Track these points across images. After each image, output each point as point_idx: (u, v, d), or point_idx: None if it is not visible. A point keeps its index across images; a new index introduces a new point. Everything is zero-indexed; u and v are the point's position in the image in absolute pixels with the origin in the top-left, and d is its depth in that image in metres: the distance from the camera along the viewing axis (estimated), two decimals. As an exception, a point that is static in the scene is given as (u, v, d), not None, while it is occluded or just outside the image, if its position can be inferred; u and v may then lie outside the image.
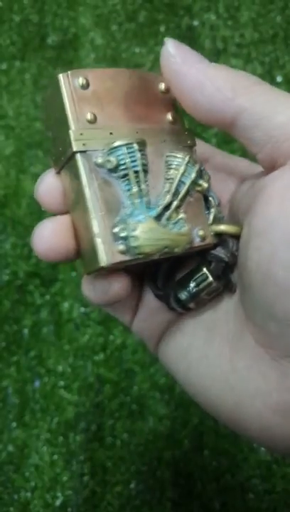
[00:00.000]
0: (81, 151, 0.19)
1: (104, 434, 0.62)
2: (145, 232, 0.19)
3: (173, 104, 0.22)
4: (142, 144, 0.20)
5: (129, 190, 0.20)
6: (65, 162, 0.20)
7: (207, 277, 0.22)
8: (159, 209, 0.20)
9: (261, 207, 0.19)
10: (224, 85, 0.19)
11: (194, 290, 0.22)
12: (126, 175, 0.20)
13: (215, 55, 0.79)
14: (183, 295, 0.22)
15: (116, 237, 0.19)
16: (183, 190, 0.21)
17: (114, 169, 0.20)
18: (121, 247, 0.19)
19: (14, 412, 0.63)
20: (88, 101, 0.20)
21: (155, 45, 0.81)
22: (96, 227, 0.19)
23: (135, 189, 0.20)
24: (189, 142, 0.22)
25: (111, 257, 0.19)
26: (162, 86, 0.22)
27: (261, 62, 0.79)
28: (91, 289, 0.21)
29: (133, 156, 0.20)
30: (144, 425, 0.62)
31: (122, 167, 0.20)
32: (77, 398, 0.64)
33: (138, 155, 0.20)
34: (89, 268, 0.20)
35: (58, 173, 0.21)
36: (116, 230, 0.19)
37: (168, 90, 0.22)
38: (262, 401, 0.19)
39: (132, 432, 0.62)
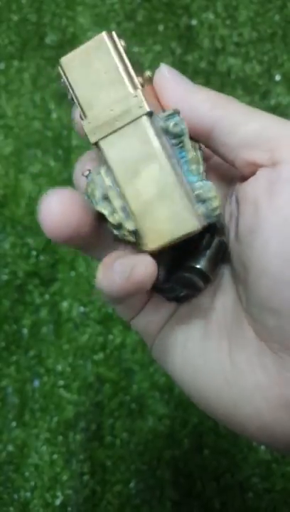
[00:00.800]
0: (148, 113, 0.19)
1: (103, 433, 0.62)
2: (216, 195, 0.19)
3: None
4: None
5: (184, 156, 0.19)
6: (121, 127, 0.19)
7: (214, 239, 0.21)
8: (203, 174, 0.20)
9: (249, 206, 0.19)
10: (204, 100, 0.21)
11: (210, 254, 0.21)
12: (182, 141, 0.19)
13: (214, 54, 0.80)
14: (202, 265, 0.21)
15: (197, 200, 0.19)
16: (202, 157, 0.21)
17: (174, 135, 0.19)
18: (202, 209, 0.19)
19: (14, 411, 0.63)
20: (133, 65, 0.20)
21: (153, 44, 0.81)
22: (180, 190, 0.18)
23: (191, 155, 0.19)
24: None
25: (199, 220, 0.19)
26: None
27: (260, 61, 0.79)
28: (110, 276, 0.19)
29: (183, 123, 0.19)
30: (144, 425, 0.62)
31: (180, 133, 0.19)
32: (76, 398, 0.64)
33: (185, 122, 0.19)
34: (167, 238, 0.19)
35: (96, 144, 0.20)
36: (197, 192, 0.19)
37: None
38: (263, 396, 0.19)
39: (132, 431, 0.62)
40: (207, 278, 0.21)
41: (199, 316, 0.23)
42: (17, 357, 0.65)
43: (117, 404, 0.63)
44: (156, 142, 0.19)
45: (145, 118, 0.19)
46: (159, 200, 0.19)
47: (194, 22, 0.82)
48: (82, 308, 0.67)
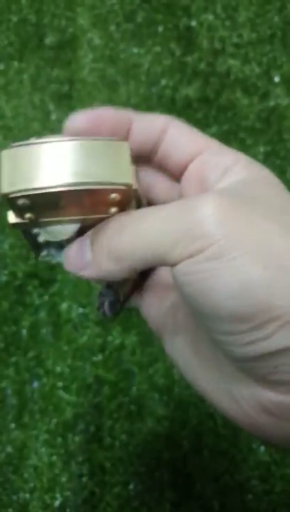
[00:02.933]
0: None
1: (102, 434, 0.62)
2: None
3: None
4: None
5: None
6: None
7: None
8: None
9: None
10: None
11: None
12: None
13: (213, 56, 0.80)
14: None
15: None
16: None
17: None
18: None
19: (13, 413, 0.63)
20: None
21: (153, 46, 0.81)
22: None
23: None
24: None
25: None
26: (113, 196, 0.20)
27: (259, 63, 0.80)
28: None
29: None
30: (143, 426, 0.62)
31: None
32: (75, 399, 0.64)
33: None
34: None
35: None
36: None
37: (119, 201, 0.20)
38: (247, 403, 0.19)
39: (131, 432, 0.62)
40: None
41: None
42: (16, 358, 0.65)
43: (116, 405, 0.63)
44: None
45: None
46: None
47: (193, 23, 0.82)
48: (81, 310, 0.67)
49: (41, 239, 0.22)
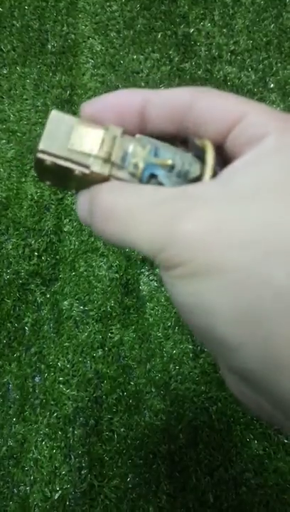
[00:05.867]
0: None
1: (102, 428, 0.62)
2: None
3: None
4: None
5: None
6: None
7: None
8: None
9: None
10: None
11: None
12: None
13: (210, 62, 0.80)
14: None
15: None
16: None
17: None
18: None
19: (15, 407, 0.63)
20: None
21: (152, 52, 0.81)
22: None
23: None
24: None
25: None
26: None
27: (255, 69, 0.80)
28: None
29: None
30: (141, 420, 0.62)
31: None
32: (76, 393, 0.64)
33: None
34: None
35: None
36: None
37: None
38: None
39: (129, 426, 0.62)
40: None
41: None
42: (19, 354, 0.66)
43: (115, 399, 0.63)
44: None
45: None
46: None
47: (191, 30, 0.82)
48: (82, 307, 0.68)
49: None
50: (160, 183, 0.19)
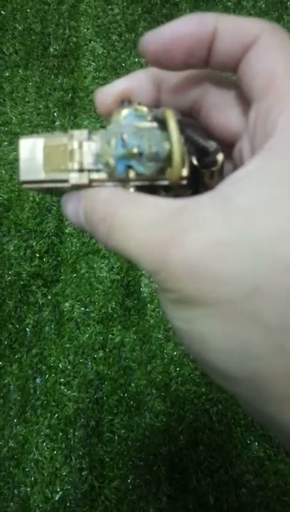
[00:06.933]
0: None
1: (102, 429, 0.62)
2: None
3: None
4: None
5: None
6: None
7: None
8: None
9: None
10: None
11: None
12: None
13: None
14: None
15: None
16: None
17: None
18: None
19: (15, 408, 0.64)
20: None
21: (154, 55, 0.81)
22: None
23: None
24: None
25: None
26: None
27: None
28: None
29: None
30: (141, 421, 0.62)
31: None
32: (76, 395, 0.64)
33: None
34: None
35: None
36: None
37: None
38: None
39: (130, 427, 0.62)
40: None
41: None
42: (20, 355, 0.66)
43: (116, 401, 0.63)
44: None
45: None
46: None
47: None
48: (83, 309, 0.68)
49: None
50: (138, 173, 0.19)
